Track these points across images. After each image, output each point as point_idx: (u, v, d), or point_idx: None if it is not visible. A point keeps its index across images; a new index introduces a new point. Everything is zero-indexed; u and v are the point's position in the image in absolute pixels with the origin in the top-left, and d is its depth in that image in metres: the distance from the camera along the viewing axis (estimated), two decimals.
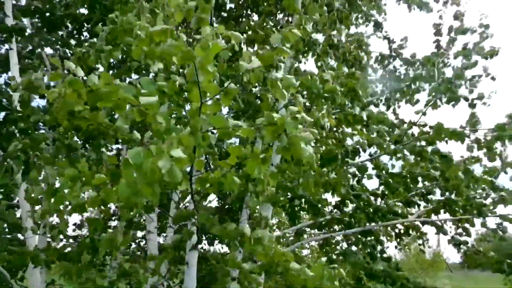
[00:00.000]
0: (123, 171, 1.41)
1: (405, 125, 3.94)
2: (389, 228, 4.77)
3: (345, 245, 5.03)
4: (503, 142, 3.75)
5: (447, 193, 4.09)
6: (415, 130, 3.89)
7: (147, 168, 1.36)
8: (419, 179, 3.96)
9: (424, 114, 3.82)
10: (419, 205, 4.49)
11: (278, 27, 4.81)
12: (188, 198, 6.09)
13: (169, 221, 5.80)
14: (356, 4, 4.59)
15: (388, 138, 3.86)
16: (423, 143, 3.69)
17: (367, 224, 4.45)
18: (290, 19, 4.93)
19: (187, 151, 1.79)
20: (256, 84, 4.44)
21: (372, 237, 4.57)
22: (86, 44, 2.78)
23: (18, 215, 4.20)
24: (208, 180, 2.34)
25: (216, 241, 6.66)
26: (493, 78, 4.76)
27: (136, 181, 1.39)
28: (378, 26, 5.59)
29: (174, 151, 1.41)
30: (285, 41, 2.12)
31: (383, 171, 4.21)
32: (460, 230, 4.36)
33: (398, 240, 4.93)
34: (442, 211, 4.23)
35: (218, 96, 2.11)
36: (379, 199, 4.52)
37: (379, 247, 4.60)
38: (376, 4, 5.00)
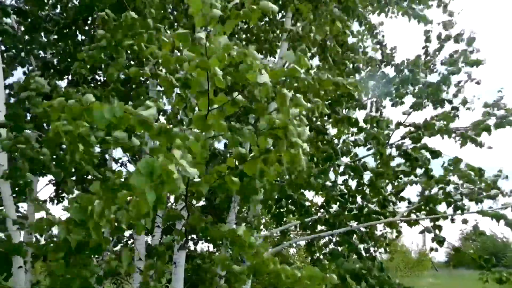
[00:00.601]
0: (138, 180, 1.43)
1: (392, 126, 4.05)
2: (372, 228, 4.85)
3: (331, 245, 5.09)
4: (489, 132, 3.94)
5: (426, 192, 4.20)
6: (402, 131, 4.01)
7: (159, 172, 1.38)
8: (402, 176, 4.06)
9: (409, 114, 3.94)
10: (394, 203, 4.61)
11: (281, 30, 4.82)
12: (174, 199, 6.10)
13: (156, 221, 5.79)
14: (352, 10, 4.65)
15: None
16: (410, 142, 3.81)
17: (352, 224, 4.53)
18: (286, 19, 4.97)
19: (199, 157, 1.83)
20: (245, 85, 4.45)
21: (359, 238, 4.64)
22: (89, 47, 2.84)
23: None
24: (208, 183, 2.38)
25: (202, 241, 6.68)
26: (478, 83, 4.92)
27: (161, 187, 1.42)
28: (371, 30, 5.62)
29: (183, 161, 1.45)
30: (298, 64, 2.13)
31: (367, 171, 4.29)
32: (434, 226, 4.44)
33: (379, 240, 5.01)
34: (423, 211, 4.33)
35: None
36: (359, 199, 4.62)
37: (363, 247, 4.67)
38: (378, 7, 5.05)
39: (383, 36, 5.80)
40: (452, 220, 4.09)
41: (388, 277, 3.78)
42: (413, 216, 4.37)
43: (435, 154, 3.93)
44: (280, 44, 4.86)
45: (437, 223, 4.17)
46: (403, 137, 3.98)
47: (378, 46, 5.65)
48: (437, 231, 4.12)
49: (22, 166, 2.79)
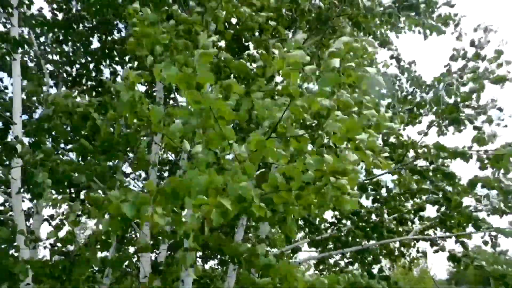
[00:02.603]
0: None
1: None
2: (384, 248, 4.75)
3: (342, 264, 5.00)
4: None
5: (442, 208, 4.07)
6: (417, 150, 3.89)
7: None
8: (419, 195, 3.94)
9: (426, 134, 3.84)
10: (413, 222, 4.49)
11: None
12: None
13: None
14: (363, 27, 4.58)
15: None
16: (424, 162, 3.69)
17: (365, 242, 4.44)
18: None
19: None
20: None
21: (370, 256, 4.55)
22: None
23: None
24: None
25: (211, 259, 6.57)
26: (500, 109, 4.55)
27: None
28: (386, 44, 5.45)
29: None
30: None
31: (382, 189, 4.21)
32: (457, 245, 4.32)
33: (394, 258, 4.91)
34: (438, 228, 4.23)
35: None
36: (373, 216, 4.51)
37: (377, 266, 4.59)
38: (391, 26, 4.89)
39: (396, 50, 5.60)
40: (486, 243, 3.98)
41: None
42: (427, 235, 4.27)
43: (449, 177, 3.79)
44: None
45: (459, 239, 4.06)
46: (416, 157, 3.86)
47: (392, 62, 5.50)
48: (459, 248, 4.00)
49: (41, 177, 2.77)
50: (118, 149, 3.06)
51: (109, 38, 5.31)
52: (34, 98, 4.94)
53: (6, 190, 4.40)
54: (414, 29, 5.02)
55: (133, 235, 6.78)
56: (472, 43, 4.76)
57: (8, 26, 4.15)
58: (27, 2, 4.24)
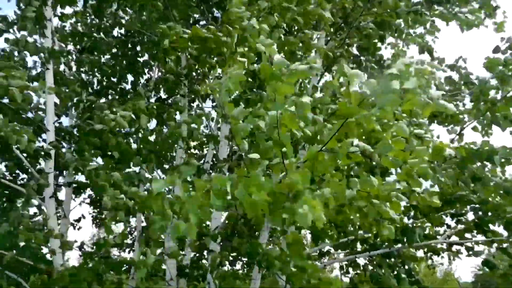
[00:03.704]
0: None
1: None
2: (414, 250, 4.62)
3: (369, 267, 4.90)
4: None
5: (479, 212, 3.92)
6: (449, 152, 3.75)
7: None
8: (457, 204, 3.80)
9: (461, 135, 3.70)
10: (449, 226, 4.33)
11: None
12: None
13: (188, 239, 5.71)
14: (389, 24, 4.48)
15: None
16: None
17: (393, 245, 4.34)
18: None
19: None
20: None
21: (399, 260, 4.44)
22: None
23: None
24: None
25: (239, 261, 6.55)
26: None
27: None
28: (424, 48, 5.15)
29: None
30: None
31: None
32: (493, 251, 4.17)
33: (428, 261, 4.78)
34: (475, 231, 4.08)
35: None
36: (405, 219, 4.38)
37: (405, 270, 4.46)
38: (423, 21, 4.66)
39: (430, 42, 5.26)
40: None
41: None
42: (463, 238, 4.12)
43: (481, 182, 3.63)
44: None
45: (500, 246, 3.90)
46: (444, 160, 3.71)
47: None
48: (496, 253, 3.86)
49: None
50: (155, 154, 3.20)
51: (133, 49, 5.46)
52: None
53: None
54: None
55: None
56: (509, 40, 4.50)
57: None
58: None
